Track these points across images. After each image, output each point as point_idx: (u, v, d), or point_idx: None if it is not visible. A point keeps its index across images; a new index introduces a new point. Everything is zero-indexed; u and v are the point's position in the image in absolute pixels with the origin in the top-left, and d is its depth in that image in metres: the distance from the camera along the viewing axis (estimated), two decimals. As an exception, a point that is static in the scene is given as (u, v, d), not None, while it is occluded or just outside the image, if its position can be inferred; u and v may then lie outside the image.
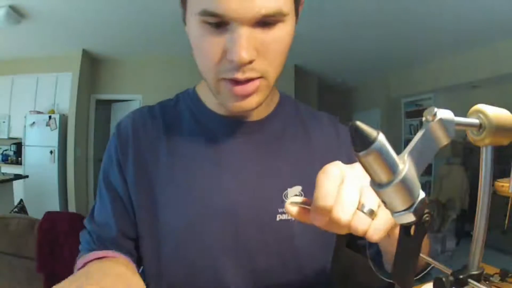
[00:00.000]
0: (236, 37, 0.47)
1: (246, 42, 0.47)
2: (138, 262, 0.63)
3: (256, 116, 0.65)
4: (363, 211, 0.36)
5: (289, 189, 0.61)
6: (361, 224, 0.36)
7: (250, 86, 0.52)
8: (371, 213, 0.36)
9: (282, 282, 0.61)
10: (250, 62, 0.49)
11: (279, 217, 0.60)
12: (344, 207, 0.35)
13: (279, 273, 0.61)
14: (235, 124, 0.63)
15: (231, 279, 0.59)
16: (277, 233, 0.60)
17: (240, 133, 0.63)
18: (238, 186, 0.60)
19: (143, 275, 0.63)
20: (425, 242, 0.62)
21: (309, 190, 0.38)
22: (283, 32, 0.51)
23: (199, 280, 0.59)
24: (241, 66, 0.49)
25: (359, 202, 0.36)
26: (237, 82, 0.51)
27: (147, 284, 0.62)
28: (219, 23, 0.48)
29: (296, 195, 0.60)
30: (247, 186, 0.60)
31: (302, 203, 0.39)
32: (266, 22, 0.49)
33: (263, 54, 0.50)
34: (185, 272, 0.59)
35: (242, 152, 0.62)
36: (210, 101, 0.64)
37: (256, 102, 0.54)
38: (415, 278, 0.54)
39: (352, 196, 0.36)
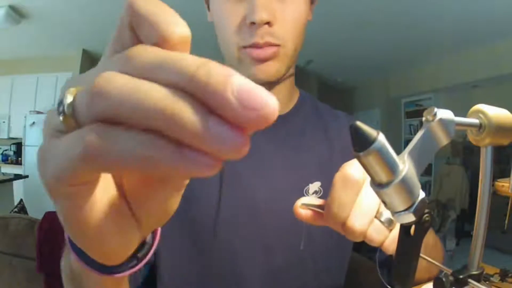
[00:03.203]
0: (255, 0, 0.52)
1: (264, 4, 0.52)
2: None
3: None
4: (381, 220, 0.34)
5: (310, 185, 0.61)
6: (377, 235, 0.34)
7: (268, 50, 0.55)
8: (390, 223, 0.34)
9: (298, 280, 0.61)
10: (269, 24, 0.53)
11: None
12: (360, 216, 0.33)
13: (296, 271, 0.60)
14: None
15: (248, 275, 0.58)
16: (296, 229, 0.59)
17: None
18: (258, 180, 0.60)
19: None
20: (437, 249, 0.62)
21: (329, 186, 0.36)
22: (297, 4, 0.56)
23: (215, 276, 0.58)
24: (259, 27, 0.53)
25: (378, 210, 0.34)
26: (256, 47, 0.55)
27: (153, 281, 0.61)
28: None
29: (316, 191, 0.60)
30: (267, 181, 0.60)
31: (314, 205, 0.36)
32: None
33: (281, 20, 0.55)
34: (201, 267, 0.58)
35: (263, 145, 0.62)
36: None
37: (276, 69, 0.57)
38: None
39: (371, 203, 0.34)
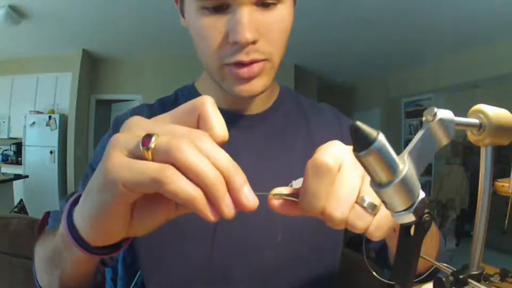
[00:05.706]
0: (237, 18, 0.48)
1: (248, 22, 0.47)
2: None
3: (256, 109, 0.64)
4: (362, 206, 0.32)
5: (293, 182, 0.60)
6: (360, 221, 0.32)
7: (255, 67, 0.51)
8: (373, 208, 0.32)
9: (290, 278, 0.60)
10: (254, 42, 0.49)
11: None
12: (339, 202, 0.31)
13: (287, 268, 0.59)
14: (235, 118, 0.62)
15: (237, 275, 0.58)
16: (283, 226, 0.58)
17: (241, 127, 0.62)
18: None
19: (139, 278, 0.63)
20: (436, 240, 0.61)
21: None
22: (283, 13, 0.51)
23: (204, 278, 0.58)
24: (244, 47, 0.49)
25: (359, 194, 0.32)
26: (241, 65, 0.51)
27: (142, 284, 0.61)
28: (218, 7, 0.49)
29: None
30: (250, 180, 0.59)
31: (288, 195, 0.34)
32: (265, 3, 0.49)
33: (265, 35, 0.50)
34: (189, 268, 0.58)
35: (244, 146, 0.61)
36: (209, 95, 0.64)
37: (262, 85, 0.54)
38: (420, 278, 0.54)
39: (350, 188, 0.32)
